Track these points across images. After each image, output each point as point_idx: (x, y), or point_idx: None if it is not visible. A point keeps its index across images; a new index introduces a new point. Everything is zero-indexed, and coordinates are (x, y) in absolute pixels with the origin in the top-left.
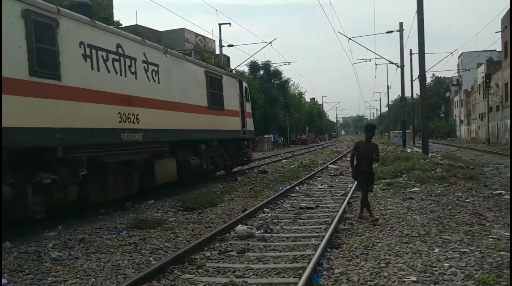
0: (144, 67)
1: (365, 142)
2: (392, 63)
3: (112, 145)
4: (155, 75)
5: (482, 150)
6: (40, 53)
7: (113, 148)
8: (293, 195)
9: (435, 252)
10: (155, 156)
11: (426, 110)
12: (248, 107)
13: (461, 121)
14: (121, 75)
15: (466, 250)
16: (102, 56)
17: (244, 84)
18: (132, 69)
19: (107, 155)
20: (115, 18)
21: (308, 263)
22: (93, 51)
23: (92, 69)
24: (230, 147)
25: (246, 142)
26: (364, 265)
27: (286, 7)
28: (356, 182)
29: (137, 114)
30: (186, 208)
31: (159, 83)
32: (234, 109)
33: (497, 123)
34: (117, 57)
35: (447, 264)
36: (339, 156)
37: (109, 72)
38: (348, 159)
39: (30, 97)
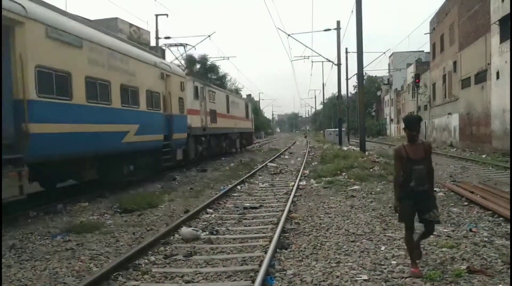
0: (237, 105)
1: (410, 145)
2: (329, 61)
3: (230, 133)
4: (237, 107)
5: None
6: (228, 105)
7: (230, 134)
8: (235, 194)
9: (382, 250)
10: (235, 137)
11: (363, 108)
12: (252, 116)
13: (391, 120)
14: (234, 109)
15: None
16: (233, 104)
17: (251, 104)
18: (236, 107)
19: (230, 137)
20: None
21: (260, 265)
22: (232, 102)
23: (233, 108)
24: (248, 136)
25: (252, 134)
26: (316, 265)
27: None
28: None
29: (236, 122)
30: (124, 210)
31: (238, 109)
32: (250, 117)
33: (425, 122)
34: (235, 104)
35: (395, 262)
36: (277, 154)
37: (236, 108)
38: (287, 157)
39: (226, 119)
